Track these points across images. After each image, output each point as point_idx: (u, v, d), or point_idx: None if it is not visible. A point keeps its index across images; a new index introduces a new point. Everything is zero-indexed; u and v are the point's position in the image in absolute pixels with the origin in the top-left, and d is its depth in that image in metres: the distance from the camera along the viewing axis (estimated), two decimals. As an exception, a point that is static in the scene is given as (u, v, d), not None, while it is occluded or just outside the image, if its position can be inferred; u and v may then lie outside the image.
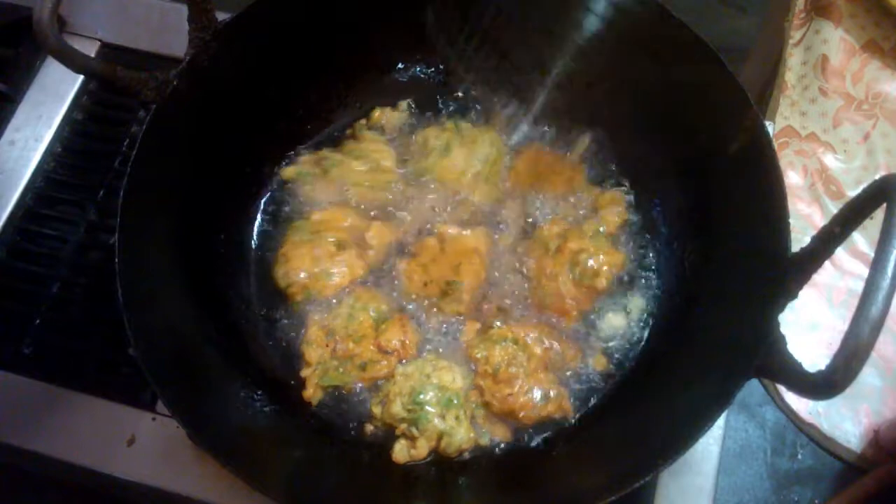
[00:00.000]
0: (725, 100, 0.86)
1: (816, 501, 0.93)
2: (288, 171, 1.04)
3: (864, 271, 0.60)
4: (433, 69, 1.11)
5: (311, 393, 0.90)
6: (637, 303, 0.96)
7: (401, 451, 0.86)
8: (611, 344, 0.95)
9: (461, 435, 0.86)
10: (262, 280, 0.99)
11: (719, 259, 0.90)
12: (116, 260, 0.76)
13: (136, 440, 0.93)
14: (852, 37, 1.20)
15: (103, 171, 1.11)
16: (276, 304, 0.97)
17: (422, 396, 0.86)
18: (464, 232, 0.98)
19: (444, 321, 0.95)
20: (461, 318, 0.95)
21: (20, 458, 0.93)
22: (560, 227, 0.98)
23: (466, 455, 0.88)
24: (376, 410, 0.89)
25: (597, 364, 0.93)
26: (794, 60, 1.22)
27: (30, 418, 0.94)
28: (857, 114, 1.17)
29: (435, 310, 0.95)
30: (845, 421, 0.97)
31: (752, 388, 0.99)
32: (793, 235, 0.76)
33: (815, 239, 0.70)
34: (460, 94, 1.09)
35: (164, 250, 0.88)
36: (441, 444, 0.86)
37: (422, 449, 0.86)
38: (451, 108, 1.09)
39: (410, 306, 0.96)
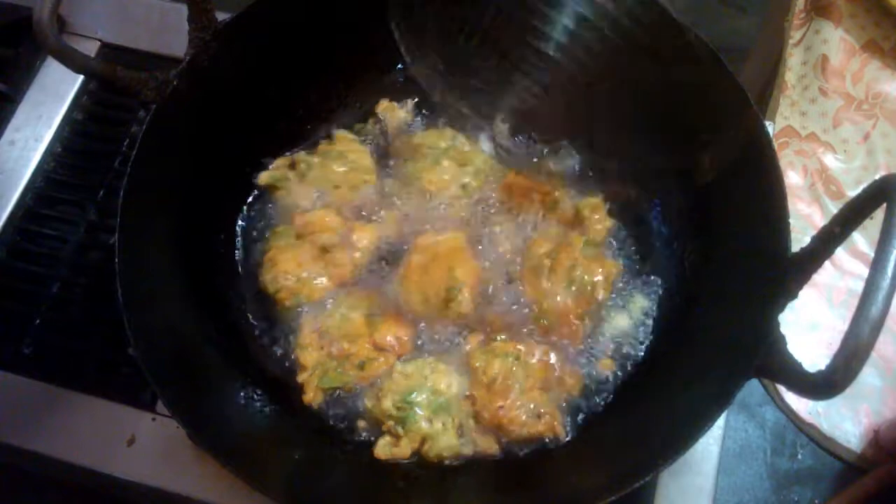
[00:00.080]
0: (725, 100, 0.86)
1: (816, 501, 0.93)
2: (263, 177, 1.02)
3: (864, 271, 0.60)
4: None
5: (312, 396, 0.90)
6: (639, 303, 0.96)
7: (383, 448, 0.86)
8: (616, 346, 0.94)
9: (444, 441, 0.86)
10: (254, 282, 0.98)
11: (719, 259, 0.90)
12: (116, 260, 0.77)
13: (136, 440, 0.93)
14: (852, 37, 1.20)
15: (103, 171, 1.11)
16: (269, 307, 0.97)
17: (413, 396, 0.86)
18: (447, 235, 0.97)
19: (451, 328, 0.94)
20: (467, 328, 0.94)
21: (20, 458, 0.93)
22: (548, 247, 0.96)
23: (448, 462, 0.87)
24: (368, 404, 0.89)
25: (603, 366, 0.92)
26: (794, 60, 1.21)
27: (30, 418, 0.94)
28: (857, 114, 1.17)
29: (440, 318, 0.94)
30: (845, 421, 0.97)
31: (752, 388, 0.99)
32: (793, 235, 0.76)
33: (815, 239, 0.70)
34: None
35: (164, 250, 0.88)
36: (423, 447, 0.86)
37: (404, 448, 0.85)
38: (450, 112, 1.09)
39: (421, 324, 0.94)
